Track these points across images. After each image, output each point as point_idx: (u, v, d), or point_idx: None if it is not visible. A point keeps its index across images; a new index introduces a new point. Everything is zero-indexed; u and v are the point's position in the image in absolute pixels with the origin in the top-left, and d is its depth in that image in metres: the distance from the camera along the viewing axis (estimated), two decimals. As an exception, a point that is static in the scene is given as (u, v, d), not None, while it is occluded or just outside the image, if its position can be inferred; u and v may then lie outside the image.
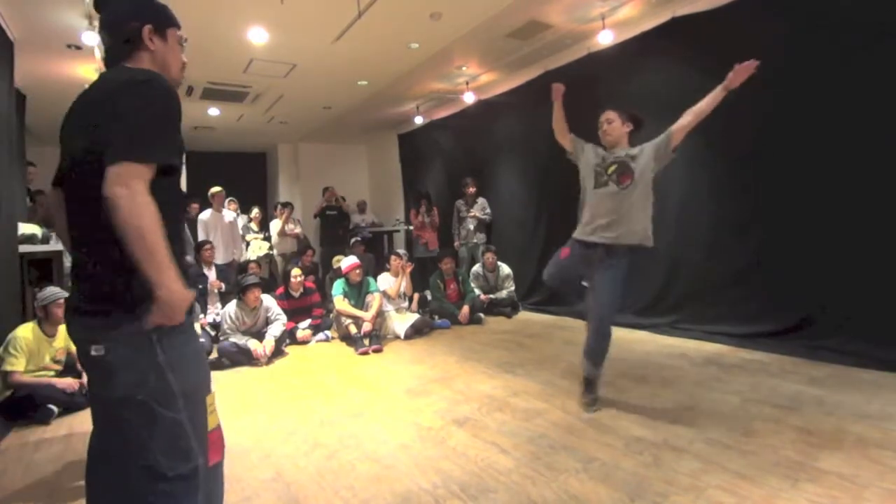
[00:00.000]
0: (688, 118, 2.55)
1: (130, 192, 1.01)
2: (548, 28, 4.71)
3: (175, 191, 1.22)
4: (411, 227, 8.17)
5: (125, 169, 1.03)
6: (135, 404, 1.09)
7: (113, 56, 1.25)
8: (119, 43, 1.23)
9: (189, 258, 5.76)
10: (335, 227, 8.03)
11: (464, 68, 5.76)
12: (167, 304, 1.06)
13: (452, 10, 4.20)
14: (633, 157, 2.61)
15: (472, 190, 6.24)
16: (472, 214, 6.21)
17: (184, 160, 1.25)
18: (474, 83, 6.20)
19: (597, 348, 2.64)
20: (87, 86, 1.23)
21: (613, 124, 2.70)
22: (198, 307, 4.59)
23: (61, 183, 1.23)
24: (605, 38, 4.55)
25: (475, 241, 6.19)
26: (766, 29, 3.52)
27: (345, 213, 8.36)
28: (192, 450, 1.14)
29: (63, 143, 1.21)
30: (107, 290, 1.11)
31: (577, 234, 2.72)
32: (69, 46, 4.36)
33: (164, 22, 1.27)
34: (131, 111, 1.07)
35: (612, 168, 2.62)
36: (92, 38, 3.89)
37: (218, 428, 1.24)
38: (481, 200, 6.27)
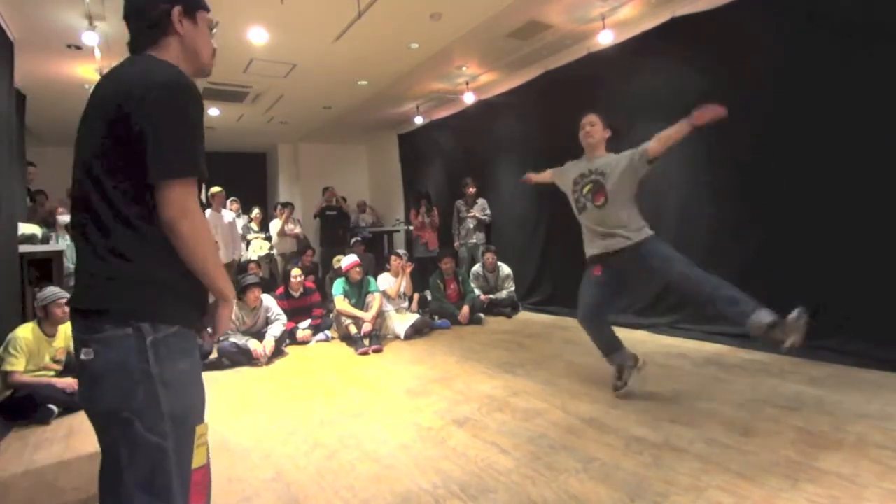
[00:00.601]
0: (655, 143, 2.57)
1: (191, 219, 1.02)
2: (548, 28, 4.71)
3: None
4: (411, 227, 8.19)
5: (180, 191, 1.01)
6: (118, 421, 0.97)
7: (138, 43, 1.14)
8: (145, 28, 1.13)
9: None
10: (335, 227, 8.04)
11: (464, 68, 5.76)
12: (228, 310, 1.15)
13: (452, 10, 4.20)
14: (605, 175, 2.68)
15: (471, 190, 6.25)
16: (471, 215, 6.21)
17: None
18: (474, 83, 6.20)
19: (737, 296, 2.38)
20: (101, 76, 1.13)
21: (596, 127, 2.76)
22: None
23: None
24: (605, 38, 4.55)
25: (474, 240, 6.19)
26: (766, 29, 3.52)
27: (345, 213, 8.36)
28: (170, 490, 0.99)
29: (81, 134, 1.10)
30: (106, 286, 1.02)
31: (591, 252, 2.81)
32: (69, 46, 4.37)
33: (195, 4, 1.17)
34: (174, 122, 1.01)
35: (587, 188, 2.73)
36: (92, 38, 3.89)
37: (205, 467, 1.07)
38: (481, 201, 6.28)
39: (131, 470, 0.97)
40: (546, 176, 3.13)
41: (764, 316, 2.27)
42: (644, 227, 2.66)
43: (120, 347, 0.99)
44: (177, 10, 1.13)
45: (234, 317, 4.30)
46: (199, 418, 1.09)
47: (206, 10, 1.21)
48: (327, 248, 7.66)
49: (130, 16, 1.15)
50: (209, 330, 1.18)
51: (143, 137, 0.99)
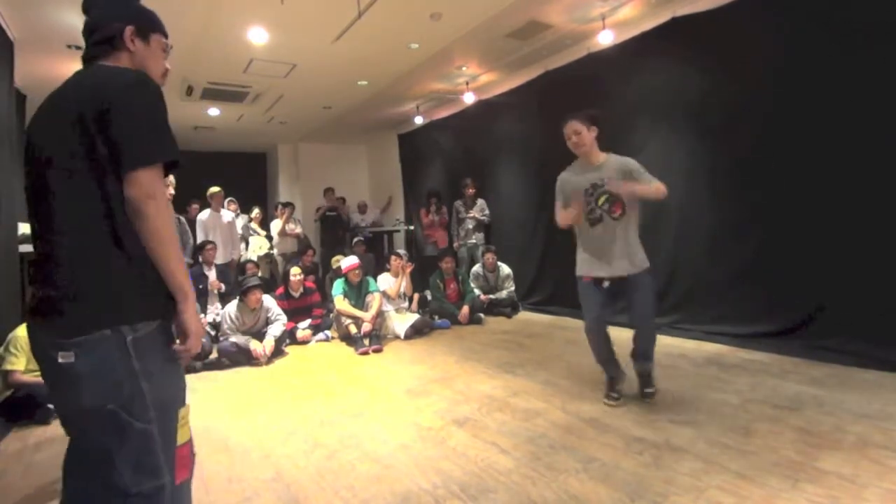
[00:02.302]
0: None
1: (157, 202, 1.06)
2: (548, 28, 4.71)
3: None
4: (411, 227, 8.19)
5: (148, 176, 1.06)
6: (103, 414, 1.04)
7: (91, 55, 1.23)
8: (99, 42, 1.22)
9: (188, 259, 5.77)
10: (335, 227, 8.04)
11: (464, 68, 5.76)
12: (191, 308, 1.15)
13: (452, 10, 4.20)
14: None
15: (471, 191, 6.24)
16: (470, 215, 6.21)
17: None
18: (474, 83, 6.20)
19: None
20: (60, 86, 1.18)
21: (582, 135, 2.63)
22: (198, 307, 4.59)
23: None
24: (606, 39, 4.55)
25: (474, 241, 6.19)
26: (766, 29, 3.52)
27: (344, 214, 8.39)
28: (159, 467, 1.08)
29: (37, 137, 1.14)
30: (83, 287, 1.05)
31: (595, 273, 2.66)
32: (69, 46, 4.37)
33: (148, 26, 1.26)
34: (139, 113, 1.08)
35: (602, 199, 2.62)
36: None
37: (188, 443, 1.18)
38: (480, 202, 6.27)
39: (120, 453, 1.05)
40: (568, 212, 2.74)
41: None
42: (644, 258, 2.64)
43: (101, 349, 1.04)
44: (129, 30, 1.22)
45: (234, 317, 4.31)
46: (182, 402, 1.19)
47: (163, 34, 1.30)
48: (328, 249, 7.66)
49: (86, 33, 1.24)
50: (178, 341, 1.17)
51: (110, 133, 1.06)
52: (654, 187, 2.54)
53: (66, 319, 1.04)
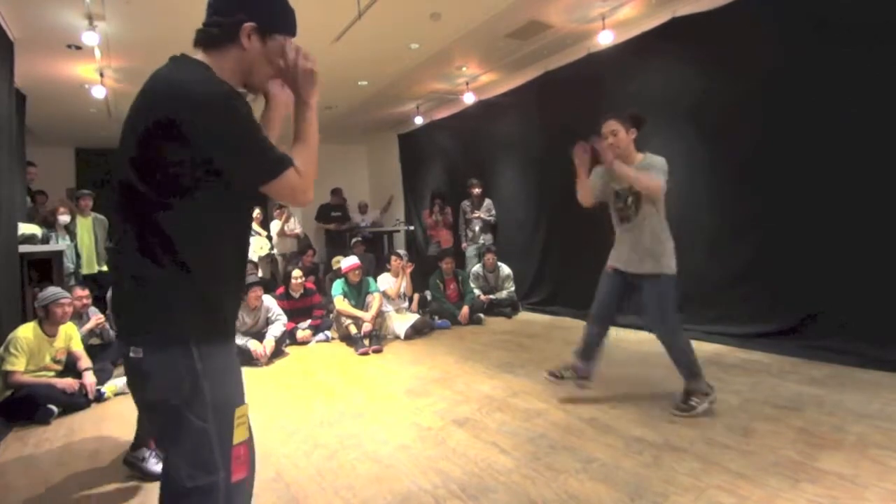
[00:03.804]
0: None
1: (302, 179, 1.19)
2: (548, 28, 4.71)
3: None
4: (411, 227, 8.19)
5: (286, 180, 1.13)
6: (167, 409, 1.08)
7: (202, 38, 1.14)
8: (216, 25, 1.13)
9: None
10: (337, 233, 8.00)
11: (464, 68, 5.76)
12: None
13: (452, 11, 4.20)
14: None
15: (477, 191, 6.22)
16: (477, 216, 6.21)
17: None
18: (474, 83, 6.20)
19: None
20: (156, 71, 1.11)
21: (619, 135, 2.57)
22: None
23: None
24: (606, 39, 4.55)
25: (482, 241, 6.19)
26: (766, 29, 3.52)
27: (348, 214, 8.38)
28: (214, 462, 1.10)
29: (123, 134, 1.08)
30: (150, 293, 1.08)
31: (615, 265, 2.71)
32: (69, 46, 4.36)
33: (273, 26, 1.16)
34: (240, 131, 1.06)
35: (631, 199, 2.60)
36: (92, 38, 3.89)
37: (245, 443, 1.18)
38: (487, 202, 6.27)
39: (178, 447, 1.09)
40: (587, 190, 2.76)
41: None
42: (672, 259, 2.57)
43: (168, 348, 1.08)
44: (248, 27, 1.12)
45: (234, 317, 4.30)
46: (240, 401, 1.20)
47: (287, 34, 1.20)
48: (331, 249, 7.61)
49: (209, 8, 1.16)
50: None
51: (201, 150, 1.02)
52: (640, 176, 2.47)
53: (136, 318, 1.09)
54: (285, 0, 1.20)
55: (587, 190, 2.72)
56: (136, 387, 1.13)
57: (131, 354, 1.08)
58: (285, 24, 1.20)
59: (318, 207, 8.21)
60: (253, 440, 1.23)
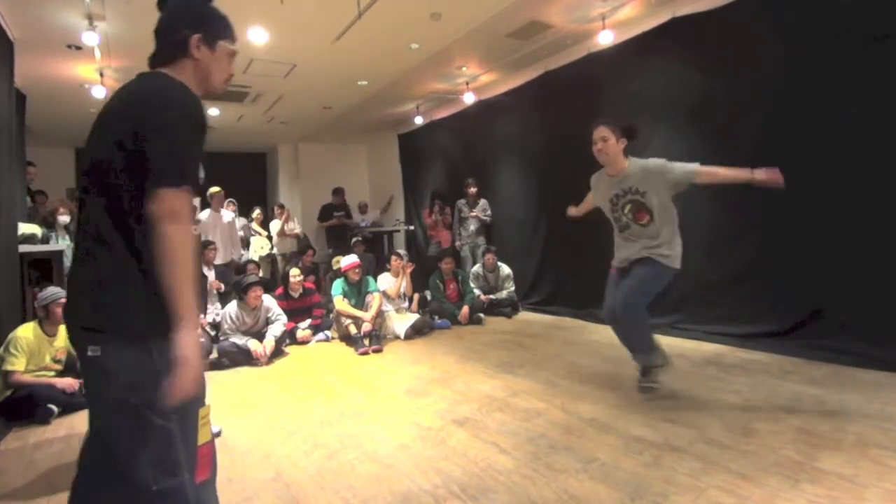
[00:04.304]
0: (707, 175, 2.58)
1: (180, 226, 1.07)
2: (548, 28, 4.71)
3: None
4: (411, 227, 8.19)
5: (173, 197, 1.07)
6: (127, 408, 1.07)
7: (158, 58, 1.25)
8: (166, 47, 1.25)
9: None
10: (343, 228, 7.97)
11: (464, 68, 5.76)
12: (190, 336, 1.08)
13: (452, 10, 4.20)
14: (644, 194, 2.56)
15: (473, 190, 6.25)
16: (473, 215, 6.22)
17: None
18: (474, 83, 6.20)
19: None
20: (116, 90, 1.22)
21: (609, 142, 2.57)
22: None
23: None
24: (606, 39, 4.55)
25: (477, 241, 6.21)
26: (766, 29, 3.52)
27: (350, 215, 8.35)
28: (178, 465, 1.10)
29: (89, 145, 1.18)
30: (112, 292, 1.10)
31: (617, 265, 2.78)
32: (69, 46, 4.36)
33: (216, 34, 1.29)
34: (173, 130, 1.09)
35: (628, 208, 2.61)
36: (92, 38, 3.89)
37: (209, 443, 1.21)
38: (483, 202, 6.28)
39: (142, 448, 1.08)
40: (587, 205, 3.04)
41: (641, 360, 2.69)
42: (677, 256, 2.58)
43: (128, 347, 1.09)
44: (195, 38, 1.23)
45: (234, 317, 4.30)
46: (201, 402, 1.21)
47: (230, 39, 1.32)
48: (335, 250, 7.49)
49: (157, 33, 1.27)
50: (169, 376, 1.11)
51: (145, 151, 1.08)
52: (718, 170, 2.55)
53: (94, 314, 1.09)
54: (218, 10, 1.33)
55: (582, 212, 3.04)
56: (95, 386, 1.12)
57: (89, 353, 1.08)
58: (226, 30, 1.33)
59: (321, 208, 8.18)
60: (214, 441, 1.24)
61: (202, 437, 1.18)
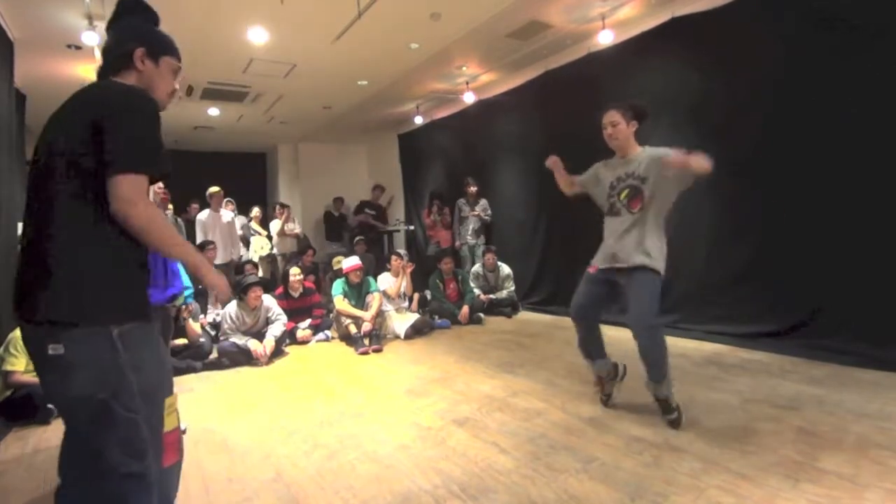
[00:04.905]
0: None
1: (137, 207, 1.14)
2: (548, 28, 4.71)
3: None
4: (411, 227, 8.18)
5: (128, 182, 1.13)
6: (93, 403, 1.10)
7: (104, 70, 1.34)
8: (112, 60, 1.33)
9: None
10: (370, 228, 7.82)
11: (464, 68, 5.76)
12: (214, 279, 1.30)
13: (452, 10, 4.20)
14: (644, 180, 2.47)
15: (473, 189, 6.25)
16: (474, 214, 6.22)
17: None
18: (474, 83, 6.20)
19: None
20: (80, 88, 1.29)
21: (619, 126, 2.50)
22: (197, 307, 4.59)
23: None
24: (605, 38, 4.55)
25: (477, 241, 6.21)
26: (766, 29, 3.52)
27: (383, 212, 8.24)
28: (145, 451, 1.16)
29: (45, 141, 1.22)
30: (69, 288, 1.12)
31: (596, 260, 2.61)
32: (69, 46, 4.36)
33: (160, 50, 1.37)
34: (130, 124, 1.17)
35: (624, 193, 2.51)
36: (92, 38, 3.89)
37: (176, 430, 1.28)
38: (483, 201, 6.28)
39: (110, 436, 1.12)
40: (569, 185, 2.80)
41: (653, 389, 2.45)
42: (662, 263, 2.45)
43: (90, 343, 1.11)
44: (140, 51, 1.32)
45: (234, 317, 4.30)
46: (168, 391, 1.30)
47: (175, 57, 1.41)
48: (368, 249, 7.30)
49: (104, 50, 1.36)
50: (211, 298, 1.30)
51: (102, 140, 1.13)
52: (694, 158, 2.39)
53: (56, 312, 1.11)
54: (163, 32, 1.43)
55: (567, 185, 2.81)
56: (56, 384, 1.14)
57: (50, 352, 1.10)
58: (170, 47, 1.40)
59: (359, 202, 8.12)
60: (180, 428, 1.34)
61: (169, 425, 1.25)
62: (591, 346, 2.69)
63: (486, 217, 6.24)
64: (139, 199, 1.14)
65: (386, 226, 8.17)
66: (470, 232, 6.26)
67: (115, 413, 1.12)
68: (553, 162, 2.77)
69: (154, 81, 1.35)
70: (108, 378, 1.11)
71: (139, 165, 1.16)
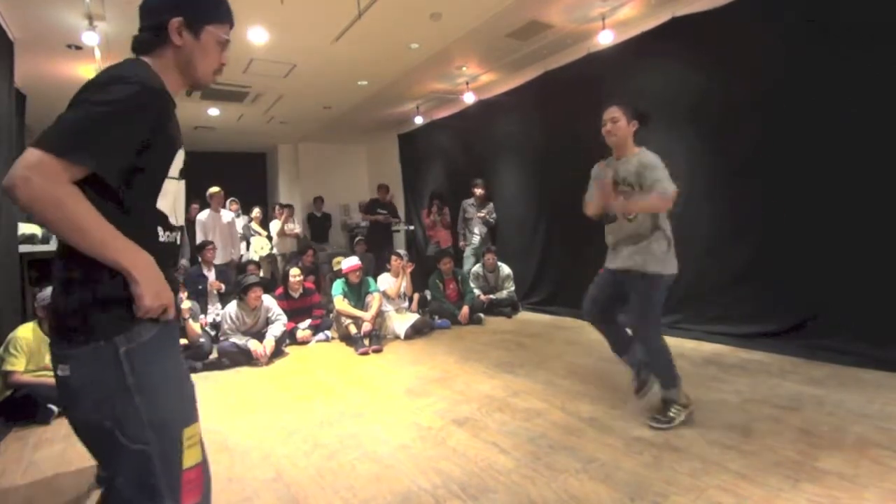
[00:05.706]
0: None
1: (34, 182, 0.88)
2: (548, 28, 4.71)
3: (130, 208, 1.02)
4: (411, 227, 8.18)
5: (37, 158, 0.90)
6: (101, 430, 0.98)
7: (136, 44, 1.11)
8: (146, 30, 1.10)
9: (184, 261, 5.77)
10: (383, 226, 7.58)
11: (464, 68, 5.76)
12: (143, 276, 0.97)
13: (452, 10, 4.20)
14: (633, 187, 2.43)
15: (480, 192, 6.17)
16: (480, 216, 6.18)
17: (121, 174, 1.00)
18: (474, 83, 6.20)
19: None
20: None
21: (619, 123, 2.47)
22: (197, 307, 4.59)
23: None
24: (606, 38, 4.55)
25: (480, 244, 6.17)
26: (766, 29, 3.52)
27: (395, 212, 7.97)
28: (158, 489, 1.00)
29: None
30: (72, 304, 0.99)
31: (609, 266, 2.59)
32: (69, 46, 4.37)
33: (202, 17, 1.12)
34: (82, 104, 0.98)
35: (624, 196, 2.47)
36: (92, 38, 3.89)
37: (198, 465, 1.06)
38: (490, 205, 6.23)
39: (119, 472, 1.00)
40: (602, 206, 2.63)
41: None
42: (665, 259, 2.40)
43: (94, 362, 0.98)
44: (175, 22, 1.08)
45: (234, 317, 4.30)
46: (186, 420, 1.06)
47: (220, 23, 1.16)
48: (376, 251, 7.18)
49: (140, 12, 1.13)
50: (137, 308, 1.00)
51: None
52: (650, 199, 2.31)
53: (63, 332, 1.00)
54: None
55: (605, 204, 2.53)
56: (69, 409, 1.02)
57: (59, 373, 0.99)
58: (217, 13, 1.16)
59: (368, 201, 7.88)
60: (207, 462, 1.10)
61: (190, 460, 1.04)
62: (615, 344, 2.65)
63: (491, 220, 6.21)
64: (36, 175, 0.88)
65: (400, 222, 7.94)
66: (476, 234, 6.19)
67: (122, 446, 0.97)
68: (604, 184, 2.47)
69: (194, 58, 1.12)
70: (112, 403, 0.97)
71: (55, 148, 0.91)
